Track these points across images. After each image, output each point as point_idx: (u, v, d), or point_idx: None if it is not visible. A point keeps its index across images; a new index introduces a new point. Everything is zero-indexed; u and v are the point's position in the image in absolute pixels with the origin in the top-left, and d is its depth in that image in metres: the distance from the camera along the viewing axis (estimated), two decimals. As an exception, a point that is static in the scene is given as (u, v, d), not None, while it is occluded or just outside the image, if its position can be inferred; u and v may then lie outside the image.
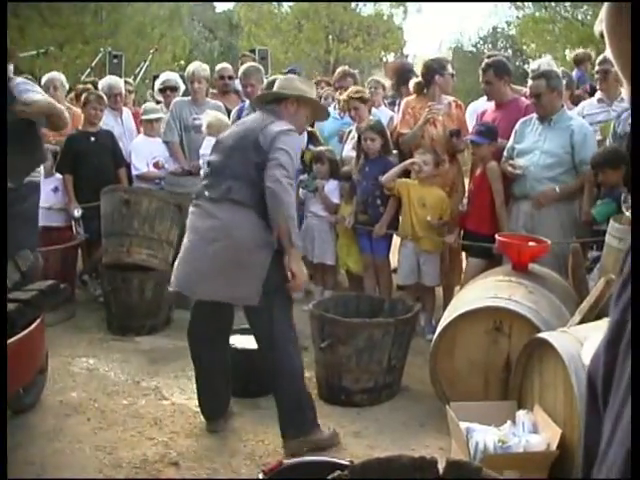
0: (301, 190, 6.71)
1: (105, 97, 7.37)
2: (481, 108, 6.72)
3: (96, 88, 8.08)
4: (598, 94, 6.32)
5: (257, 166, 4.10)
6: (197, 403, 4.83)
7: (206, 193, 4.19)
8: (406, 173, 6.11)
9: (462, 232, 5.94)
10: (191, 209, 4.32)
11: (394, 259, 6.50)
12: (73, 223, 7.15)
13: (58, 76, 8.09)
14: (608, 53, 0.89)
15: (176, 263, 4.36)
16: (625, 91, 0.90)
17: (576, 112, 6.18)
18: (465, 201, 5.75)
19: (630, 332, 0.75)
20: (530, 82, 5.61)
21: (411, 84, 6.68)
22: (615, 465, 0.72)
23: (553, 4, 28.69)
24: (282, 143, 4.10)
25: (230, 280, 4.07)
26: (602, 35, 0.91)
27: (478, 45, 40.03)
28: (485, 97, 6.94)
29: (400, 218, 6.16)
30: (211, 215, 4.14)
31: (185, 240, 4.29)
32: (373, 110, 7.07)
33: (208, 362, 4.44)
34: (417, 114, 6.21)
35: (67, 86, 8.44)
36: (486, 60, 6.35)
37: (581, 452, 0.90)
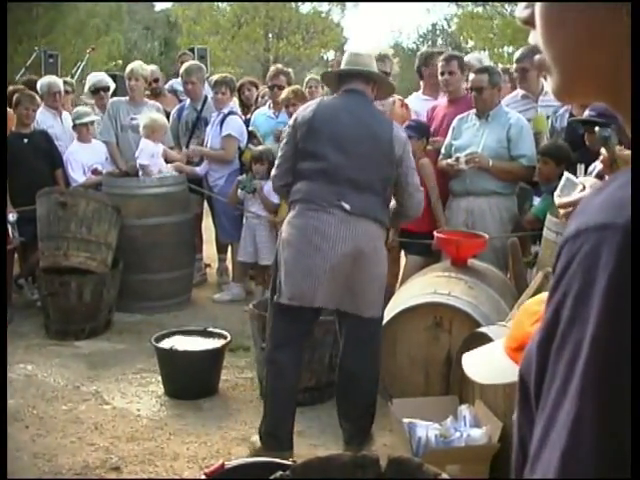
0: (239, 190, 6.68)
1: (38, 97, 7.24)
2: (416, 105, 6.72)
3: (32, 87, 7.92)
4: (521, 90, 6.34)
5: (390, 181, 4.13)
6: (138, 407, 4.78)
7: (344, 204, 3.95)
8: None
9: (399, 231, 5.94)
10: (315, 214, 3.98)
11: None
12: (8, 227, 7.00)
13: (-13, 77, 7.92)
14: (536, 39, 0.88)
15: (290, 268, 3.97)
16: (551, 81, 0.88)
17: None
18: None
19: (561, 332, 0.75)
20: (472, 76, 5.62)
21: None
22: (551, 466, 0.72)
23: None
24: (411, 161, 4.20)
25: (359, 291, 4.01)
26: (526, 22, 0.89)
27: (417, 43, 40.41)
28: (417, 93, 6.96)
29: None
30: (347, 225, 3.96)
31: (304, 242, 3.97)
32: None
33: (290, 385, 4.19)
34: None
35: None
36: (450, 52, 6.42)
37: (513, 453, 0.90)
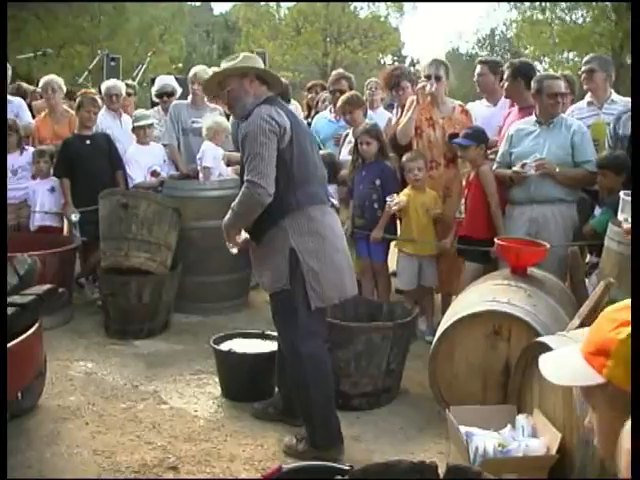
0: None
1: (99, 99, 7.36)
2: (481, 111, 6.70)
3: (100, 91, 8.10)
4: (588, 97, 6.32)
5: None
6: (195, 407, 4.83)
7: (333, 201, 4.46)
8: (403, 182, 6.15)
9: (458, 238, 5.89)
10: (322, 217, 4.19)
11: (392, 262, 6.51)
12: (70, 226, 7.15)
13: (56, 79, 8.07)
14: None
15: (325, 273, 4.12)
16: None
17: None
18: (462, 208, 5.73)
19: None
20: (551, 82, 5.55)
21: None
22: None
23: (549, 5, 28.78)
24: None
25: None
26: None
27: (476, 48, 40.13)
28: (482, 100, 6.96)
29: (399, 223, 6.17)
30: (335, 216, 4.43)
31: (328, 245, 4.17)
32: (370, 113, 7.04)
33: (329, 371, 4.24)
34: (419, 112, 6.17)
35: (64, 89, 8.41)
36: (514, 60, 6.46)
37: None
